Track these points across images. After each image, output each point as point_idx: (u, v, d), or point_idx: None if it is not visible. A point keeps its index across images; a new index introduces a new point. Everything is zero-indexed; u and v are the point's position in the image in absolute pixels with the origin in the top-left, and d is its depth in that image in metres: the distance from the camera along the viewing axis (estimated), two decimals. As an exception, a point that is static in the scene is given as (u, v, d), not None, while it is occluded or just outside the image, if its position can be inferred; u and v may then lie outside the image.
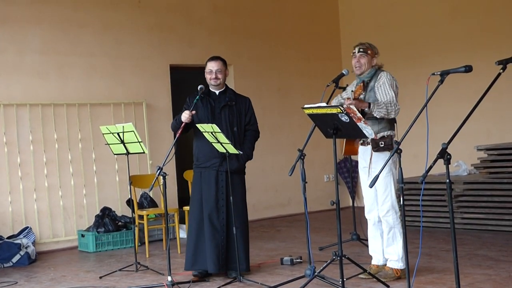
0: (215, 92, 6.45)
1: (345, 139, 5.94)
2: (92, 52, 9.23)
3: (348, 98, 5.84)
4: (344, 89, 7.74)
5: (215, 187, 6.30)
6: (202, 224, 6.31)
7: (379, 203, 5.84)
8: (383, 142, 5.72)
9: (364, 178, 5.96)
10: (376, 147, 5.74)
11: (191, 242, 6.39)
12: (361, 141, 5.87)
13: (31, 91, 8.70)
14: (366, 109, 5.61)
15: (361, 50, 5.88)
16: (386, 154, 5.61)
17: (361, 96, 5.68)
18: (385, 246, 5.86)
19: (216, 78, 6.38)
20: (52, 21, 8.95)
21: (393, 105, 5.66)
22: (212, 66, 6.40)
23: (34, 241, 8.25)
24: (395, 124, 5.86)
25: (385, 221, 5.80)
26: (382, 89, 5.75)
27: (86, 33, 9.21)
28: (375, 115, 5.65)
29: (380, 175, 5.61)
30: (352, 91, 5.91)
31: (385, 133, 5.76)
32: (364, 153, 5.91)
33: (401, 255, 5.73)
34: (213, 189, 6.30)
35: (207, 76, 6.42)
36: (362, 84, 5.65)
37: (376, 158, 5.73)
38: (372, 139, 5.73)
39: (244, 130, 6.46)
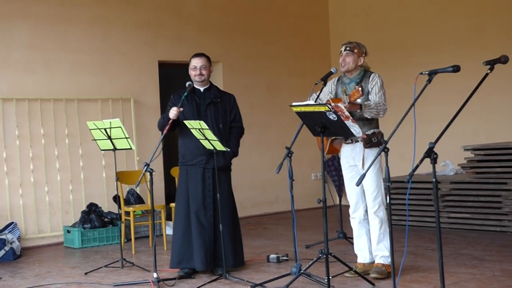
0: (199, 89, 6.44)
1: (330, 139, 5.94)
2: (80, 48, 9.19)
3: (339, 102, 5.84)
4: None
5: (201, 184, 6.29)
6: (189, 222, 6.30)
7: (369, 200, 5.84)
8: (375, 138, 5.75)
9: (349, 176, 5.97)
10: (369, 143, 5.76)
11: (177, 240, 6.38)
12: (349, 140, 5.87)
13: (18, 86, 8.65)
14: (358, 111, 5.64)
15: (347, 48, 5.92)
16: (375, 151, 5.64)
17: (359, 100, 5.64)
18: (376, 243, 5.85)
19: (201, 74, 6.36)
20: (40, 16, 8.90)
21: (381, 105, 5.72)
22: (196, 62, 6.39)
23: (19, 236, 8.21)
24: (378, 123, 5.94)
25: (376, 216, 5.81)
26: (374, 90, 5.81)
27: (74, 28, 9.17)
28: (365, 115, 5.68)
29: (370, 172, 5.67)
30: (347, 95, 5.90)
31: (376, 130, 5.81)
32: (352, 151, 5.91)
33: (392, 250, 5.75)
34: (200, 187, 6.29)
35: (192, 73, 6.40)
36: (360, 88, 5.65)
37: (367, 155, 5.75)
38: (366, 136, 5.76)
39: (230, 127, 6.45)
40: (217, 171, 6.22)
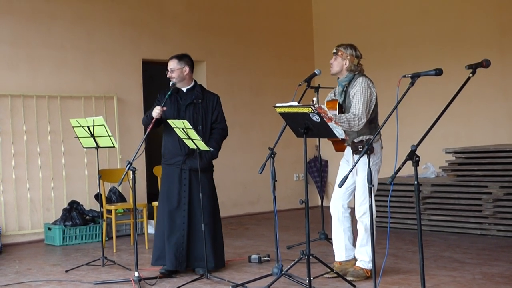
0: (182, 89, 6.42)
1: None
2: (64, 45, 9.15)
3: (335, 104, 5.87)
4: (316, 89, 7.79)
5: (178, 184, 6.29)
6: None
7: (356, 204, 5.85)
8: (361, 146, 5.73)
9: (341, 173, 5.94)
10: (355, 150, 5.77)
11: (157, 238, 6.39)
12: (345, 143, 5.88)
13: (0, 82, 8.59)
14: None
15: (334, 51, 5.91)
16: (366, 157, 5.60)
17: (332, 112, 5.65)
18: (359, 245, 5.87)
19: (173, 76, 6.36)
20: (24, 12, 8.85)
21: (356, 119, 5.63)
22: (168, 65, 6.40)
23: (-1, 233, 8.18)
24: (377, 127, 5.86)
25: (361, 222, 5.83)
26: (355, 99, 5.73)
27: (58, 25, 9.13)
28: None
29: (360, 177, 5.69)
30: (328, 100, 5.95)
31: (364, 137, 5.77)
32: (347, 154, 5.96)
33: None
34: (176, 187, 6.29)
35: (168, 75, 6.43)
36: (337, 101, 5.70)
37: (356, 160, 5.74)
38: (352, 143, 5.77)
39: (211, 128, 6.43)
40: (197, 172, 6.20)
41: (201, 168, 6.21)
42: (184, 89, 6.41)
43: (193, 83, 6.48)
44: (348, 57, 5.85)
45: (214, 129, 6.41)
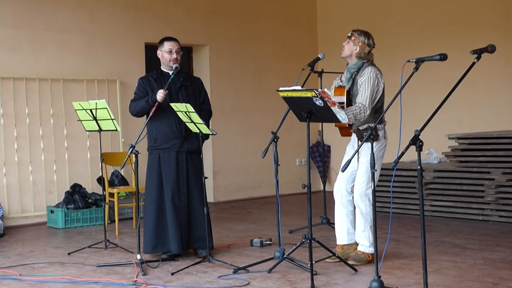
0: (169, 73, 6.39)
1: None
2: (66, 28, 9.13)
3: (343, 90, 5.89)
4: (319, 73, 7.78)
5: (175, 168, 6.27)
6: (161, 207, 6.28)
7: (355, 188, 5.86)
8: (366, 133, 5.74)
9: (345, 158, 5.94)
10: (360, 138, 5.78)
11: (150, 225, 6.32)
12: (351, 129, 5.89)
13: (3, 65, 8.58)
14: None
15: (348, 35, 5.90)
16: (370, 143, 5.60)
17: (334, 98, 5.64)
18: (359, 230, 5.89)
19: (177, 58, 6.33)
20: (27, -6, 8.83)
21: (362, 112, 5.64)
22: (172, 45, 6.34)
23: (2, 215, 8.19)
24: (380, 115, 5.87)
25: (357, 206, 5.84)
26: (362, 88, 5.73)
27: (61, 8, 9.10)
28: None
29: (361, 161, 5.69)
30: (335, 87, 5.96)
31: (370, 124, 5.76)
32: (354, 140, 5.98)
33: (372, 241, 5.77)
34: (174, 170, 6.26)
35: (166, 56, 6.33)
36: (345, 88, 5.72)
37: (362, 147, 5.74)
38: (357, 130, 5.78)
39: (199, 110, 6.41)
40: (191, 154, 6.27)
41: (198, 149, 6.27)
42: (171, 73, 6.35)
43: None
44: (360, 44, 5.86)
45: (202, 110, 6.42)
